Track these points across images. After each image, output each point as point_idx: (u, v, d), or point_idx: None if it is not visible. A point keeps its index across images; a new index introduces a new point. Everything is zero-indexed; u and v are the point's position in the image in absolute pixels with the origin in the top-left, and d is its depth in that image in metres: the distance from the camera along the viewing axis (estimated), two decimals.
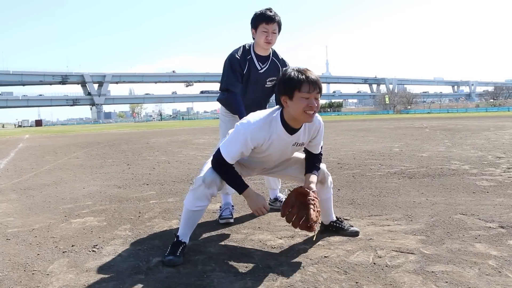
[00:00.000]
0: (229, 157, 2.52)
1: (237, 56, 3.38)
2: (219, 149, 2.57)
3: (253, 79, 3.45)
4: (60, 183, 5.88)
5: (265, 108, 3.64)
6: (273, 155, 2.66)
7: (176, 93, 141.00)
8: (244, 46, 3.45)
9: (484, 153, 7.61)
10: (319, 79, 2.46)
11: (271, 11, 3.29)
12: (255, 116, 2.54)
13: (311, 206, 2.48)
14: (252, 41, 3.46)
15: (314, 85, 2.39)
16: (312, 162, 2.78)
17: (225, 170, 2.56)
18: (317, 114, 2.58)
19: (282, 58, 3.58)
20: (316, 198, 2.57)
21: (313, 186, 2.66)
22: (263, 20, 3.27)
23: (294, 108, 2.42)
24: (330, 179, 2.98)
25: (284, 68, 2.56)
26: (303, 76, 2.39)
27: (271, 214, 3.70)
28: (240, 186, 2.57)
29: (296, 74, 2.40)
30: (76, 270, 2.49)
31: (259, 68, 3.44)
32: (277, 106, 2.58)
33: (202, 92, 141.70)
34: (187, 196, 2.68)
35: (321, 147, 2.85)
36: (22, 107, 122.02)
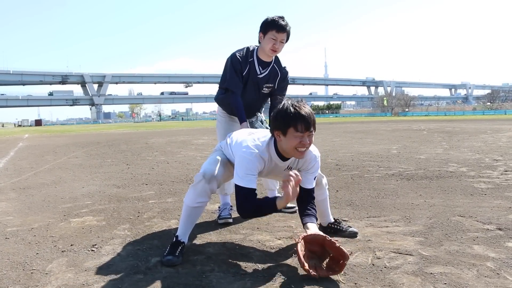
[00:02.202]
0: (248, 182, 2.47)
1: (238, 57, 3.37)
2: (236, 186, 2.51)
3: (251, 81, 3.44)
4: (60, 183, 5.88)
5: (260, 110, 3.66)
6: (268, 176, 2.71)
7: (163, 94, 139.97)
8: (248, 48, 3.44)
9: (481, 155, 7.63)
10: (313, 114, 2.42)
11: (283, 20, 3.24)
12: (255, 143, 2.53)
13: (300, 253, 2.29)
14: (257, 44, 3.43)
15: (308, 124, 2.37)
16: (306, 205, 2.62)
17: (254, 202, 2.50)
18: (313, 147, 2.59)
19: (284, 67, 3.55)
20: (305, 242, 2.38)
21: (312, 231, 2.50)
22: (274, 28, 3.23)
23: (286, 144, 2.43)
24: (325, 180, 2.98)
25: (280, 104, 2.47)
26: (298, 114, 2.35)
27: (270, 215, 3.71)
28: (274, 206, 2.46)
29: (291, 111, 2.36)
30: (75, 269, 2.49)
31: (258, 72, 3.43)
32: (270, 134, 2.58)
33: (171, 93, 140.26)
34: (187, 193, 2.70)
35: (316, 178, 2.74)
36: (22, 107, 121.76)
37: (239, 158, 2.51)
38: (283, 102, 2.47)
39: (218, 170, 2.70)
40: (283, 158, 2.57)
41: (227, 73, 3.43)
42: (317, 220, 2.62)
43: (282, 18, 3.25)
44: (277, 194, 3.92)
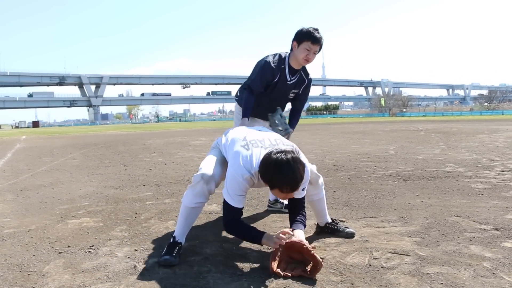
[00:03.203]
0: (237, 202, 2.52)
1: (272, 64, 3.45)
2: (224, 202, 2.55)
3: (281, 87, 3.55)
4: (57, 184, 5.87)
5: (283, 109, 3.77)
6: (256, 187, 2.73)
7: (156, 94, 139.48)
8: (280, 55, 3.52)
9: (478, 156, 7.65)
10: (299, 169, 2.36)
11: (318, 33, 3.34)
12: (247, 161, 2.50)
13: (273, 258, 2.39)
14: (288, 51, 3.52)
15: (294, 184, 2.34)
16: (296, 213, 2.63)
17: (241, 225, 2.58)
18: (305, 159, 2.60)
19: (310, 77, 3.69)
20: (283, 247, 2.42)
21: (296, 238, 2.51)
22: (310, 39, 3.33)
23: (275, 192, 2.43)
24: (321, 180, 2.98)
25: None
26: (284, 173, 2.30)
27: (266, 215, 3.72)
28: (257, 239, 2.54)
29: (278, 169, 2.31)
30: (72, 270, 2.49)
31: (288, 79, 3.54)
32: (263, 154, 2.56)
33: (153, 94, 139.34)
34: (185, 193, 2.70)
35: (306, 188, 2.70)
36: (19, 108, 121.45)
37: (231, 176, 2.52)
38: (270, 153, 2.40)
39: (216, 170, 2.70)
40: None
41: (254, 74, 3.53)
42: (305, 227, 2.62)
43: (317, 30, 3.36)
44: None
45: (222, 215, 2.65)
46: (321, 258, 2.30)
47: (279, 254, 2.39)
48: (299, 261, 2.42)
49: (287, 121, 3.69)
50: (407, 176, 5.60)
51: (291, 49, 3.47)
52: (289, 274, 2.30)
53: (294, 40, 3.42)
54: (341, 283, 2.21)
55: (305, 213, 2.65)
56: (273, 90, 3.54)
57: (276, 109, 3.65)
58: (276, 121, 3.57)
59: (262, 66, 3.45)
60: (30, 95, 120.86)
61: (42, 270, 2.51)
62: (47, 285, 2.28)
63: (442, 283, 2.15)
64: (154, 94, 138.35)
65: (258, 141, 2.62)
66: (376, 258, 2.55)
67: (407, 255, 2.59)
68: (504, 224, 3.17)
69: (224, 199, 2.55)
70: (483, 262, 2.43)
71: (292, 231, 2.53)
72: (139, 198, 4.69)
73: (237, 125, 3.59)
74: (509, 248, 2.65)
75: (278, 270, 2.31)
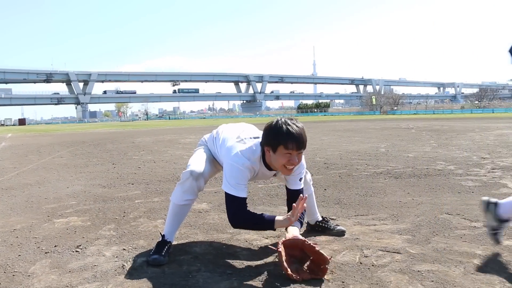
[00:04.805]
0: (240, 191, 2.44)
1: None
2: (227, 195, 2.48)
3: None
4: (44, 183, 5.79)
5: None
6: (253, 179, 2.68)
7: (121, 92, 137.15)
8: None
9: (469, 153, 7.69)
10: (305, 134, 2.38)
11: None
12: (245, 152, 2.48)
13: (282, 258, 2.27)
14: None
15: (299, 144, 2.34)
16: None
17: (249, 214, 2.48)
18: None
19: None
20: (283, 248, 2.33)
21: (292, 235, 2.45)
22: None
23: (275, 161, 2.41)
24: (309, 176, 2.97)
25: (273, 120, 2.44)
26: (290, 133, 2.32)
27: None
28: (269, 224, 2.45)
29: (283, 128, 2.33)
30: (58, 270, 2.44)
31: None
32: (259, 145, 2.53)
33: (117, 92, 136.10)
34: (174, 191, 2.66)
35: (302, 180, 2.70)
36: (5, 106, 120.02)
37: (230, 166, 2.47)
38: (276, 119, 2.44)
39: (205, 167, 2.67)
40: (270, 168, 2.55)
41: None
42: (302, 225, 2.59)
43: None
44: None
45: (222, 211, 2.56)
46: (328, 254, 2.25)
47: (284, 255, 2.25)
48: (298, 258, 2.35)
49: None
50: (398, 174, 5.61)
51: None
52: (299, 278, 2.19)
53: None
54: (332, 281, 2.19)
55: (304, 210, 2.62)
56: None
57: None
58: None
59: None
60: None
61: (27, 270, 2.46)
62: (33, 285, 2.23)
63: (433, 281, 2.14)
64: (118, 92, 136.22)
65: (252, 136, 2.60)
66: (367, 256, 2.53)
67: (398, 253, 2.58)
68: None
69: (225, 193, 2.47)
70: (474, 259, 2.43)
71: (286, 228, 2.50)
72: (128, 196, 4.63)
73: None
74: (499, 245, 2.64)
75: (291, 273, 2.20)
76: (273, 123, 2.41)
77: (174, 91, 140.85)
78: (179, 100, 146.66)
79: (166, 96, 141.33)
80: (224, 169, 2.53)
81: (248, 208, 2.50)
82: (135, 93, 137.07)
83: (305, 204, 2.49)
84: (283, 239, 2.38)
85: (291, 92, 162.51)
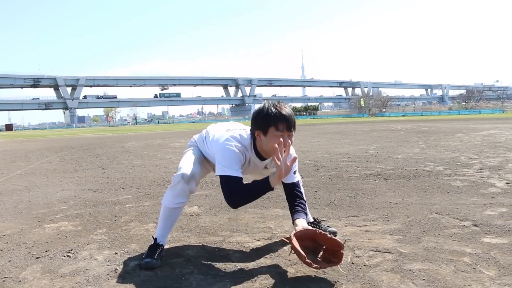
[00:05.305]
0: (234, 171, 2.43)
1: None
2: (221, 177, 2.46)
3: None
4: (33, 188, 5.74)
5: None
6: (244, 173, 2.64)
7: (101, 97, 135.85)
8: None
9: (457, 154, 7.76)
10: (293, 115, 2.44)
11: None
12: (236, 138, 2.51)
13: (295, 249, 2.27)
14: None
15: (289, 124, 2.39)
16: (293, 201, 2.62)
17: (244, 188, 2.45)
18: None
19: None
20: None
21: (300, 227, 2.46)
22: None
23: (266, 144, 2.43)
24: (298, 177, 2.98)
25: (260, 104, 2.51)
26: (280, 114, 2.37)
27: (249, 216, 3.69)
28: (265, 186, 2.42)
29: (272, 110, 2.38)
30: (50, 275, 2.42)
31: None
32: (249, 133, 2.56)
33: (97, 97, 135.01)
34: (165, 194, 2.66)
35: (296, 173, 2.75)
36: None
37: (222, 149, 2.48)
38: (263, 103, 2.47)
39: (195, 169, 2.66)
40: (262, 158, 2.56)
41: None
42: (307, 215, 2.62)
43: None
44: None
45: (222, 192, 2.48)
46: (341, 239, 2.27)
47: (298, 245, 2.25)
48: (311, 249, 2.34)
49: None
50: (388, 175, 5.65)
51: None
52: (319, 267, 2.21)
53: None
54: (324, 281, 2.20)
55: (305, 201, 2.63)
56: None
57: None
58: None
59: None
60: None
61: (18, 276, 2.44)
62: None
63: (424, 279, 2.16)
64: (98, 97, 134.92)
65: (242, 128, 2.66)
66: (358, 256, 2.55)
67: (389, 252, 2.60)
68: (483, 220, 3.21)
69: (220, 177, 2.45)
70: (464, 257, 2.45)
71: (293, 222, 2.52)
72: (119, 201, 4.61)
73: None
74: (488, 244, 2.68)
75: (309, 261, 2.19)
76: (261, 107, 2.46)
77: (156, 95, 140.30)
78: (168, 104, 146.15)
79: (155, 100, 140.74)
80: (216, 156, 2.53)
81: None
82: (116, 97, 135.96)
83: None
84: (294, 231, 2.38)
85: (273, 95, 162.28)
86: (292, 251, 2.29)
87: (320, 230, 2.35)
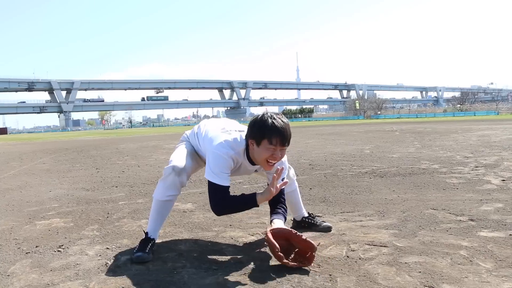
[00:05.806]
0: (223, 180, 2.41)
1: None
2: (209, 183, 2.45)
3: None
4: (25, 187, 5.67)
5: None
6: (233, 174, 2.62)
7: (88, 100, 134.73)
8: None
9: (452, 153, 7.76)
10: (290, 129, 2.39)
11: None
12: (229, 142, 2.47)
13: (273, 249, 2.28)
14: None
15: (283, 139, 2.34)
16: (276, 204, 2.56)
17: (231, 199, 2.45)
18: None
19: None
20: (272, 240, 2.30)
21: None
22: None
23: (257, 154, 2.39)
24: (292, 171, 2.95)
25: (260, 114, 2.44)
26: (275, 128, 2.31)
27: (242, 212, 3.64)
28: (252, 202, 2.43)
29: (269, 122, 2.32)
30: (39, 270, 2.37)
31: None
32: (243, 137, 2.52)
33: (84, 100, 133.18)
34: (156, 188, 2.63)
35: (288, 170, 2.76)
36: None
37: (213, 155, 2.44)
38: (262, 113, 2.42)
39: (187, 162, 2.63)
40: (253, 163, 2.53)
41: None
42: (285, 220, 2.57)
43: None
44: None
45: (208, 199, 2.49)
46: (315, 242, 2.26)
47: (274, 241, 2.24)
48: (284, 248, 2.31)
49: None
50: (383, 173, 5.63)
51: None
52: (288, 262, 2.21)
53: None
54: (319, 274, 2.17)
55: (286, 207, 2.60)
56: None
57: None
58: None
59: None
60: None
61: (7, 270, 2.39)
62: (12, 285, 2.17)
63: (420, 272, 2.13)
64: (85, 100, 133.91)
65: (238, 129, 2.59)
66: (353, 250, 2.52)
67: (384, 246, 2.57)
68: (479, 215, 3.19)
69: (208, 182, 2.44)
70: (460, 250, 2.43)
71: (271, 222, 2.48)
72: (112, 198, 4.56)
73: None
74: (484, 237, 2.66)
75: (287, 261, 2.21)
76: (259, 117, 2.40)
77: (143, 99, 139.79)
78: (164, 107, 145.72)
79: (149, 104, 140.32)
80: (207, 158, 2.50)
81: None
82: (103, 101, 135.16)
83: (285, 181, 2.52)
84: (270, 227, 2.36)
85: (261, 98, 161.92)
86: (266, 243, 2.27)
87: (296, 231, 2.33)
